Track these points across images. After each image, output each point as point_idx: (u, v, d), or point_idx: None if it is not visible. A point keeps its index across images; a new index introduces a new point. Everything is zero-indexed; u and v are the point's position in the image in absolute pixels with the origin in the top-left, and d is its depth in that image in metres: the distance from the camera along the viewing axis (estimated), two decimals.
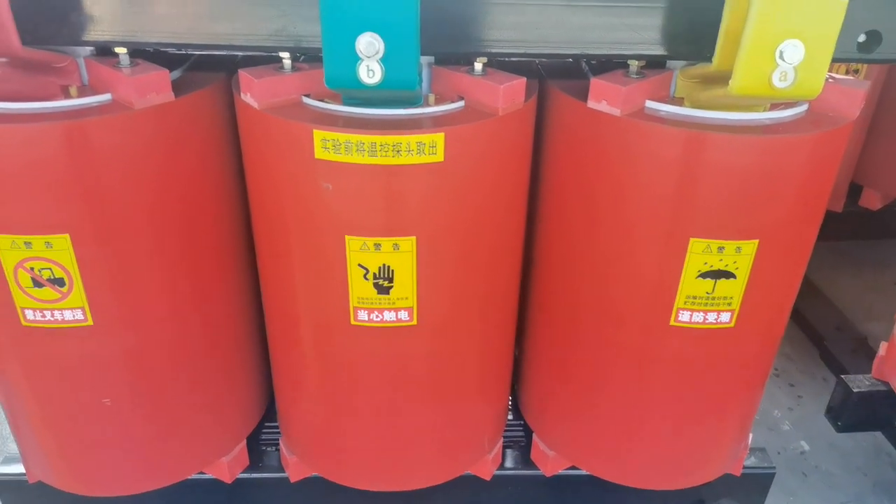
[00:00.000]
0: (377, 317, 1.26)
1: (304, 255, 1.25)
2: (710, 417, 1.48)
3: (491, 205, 1.24)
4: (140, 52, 1.19)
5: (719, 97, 1.11)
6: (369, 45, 0.94)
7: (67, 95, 1.14)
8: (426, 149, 1.10)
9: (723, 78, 1.05)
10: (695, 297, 1.26)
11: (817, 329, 2.68)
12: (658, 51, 1.16)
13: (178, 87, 1.21)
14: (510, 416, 1.82)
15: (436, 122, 1.12)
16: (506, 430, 1.75)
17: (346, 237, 1.18)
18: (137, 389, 1.35)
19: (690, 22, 1.14)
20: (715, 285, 1.25)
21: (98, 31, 1.10)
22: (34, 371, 1.30)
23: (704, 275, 1.24)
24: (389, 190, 1.13)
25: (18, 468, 1.58)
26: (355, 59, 0.96)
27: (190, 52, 1.35)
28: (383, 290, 1.23)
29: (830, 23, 0.95)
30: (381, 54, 0.96)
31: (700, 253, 1.21)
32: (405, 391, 1.39)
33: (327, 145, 1.09)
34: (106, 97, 1.14)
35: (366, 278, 1.21)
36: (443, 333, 1.32)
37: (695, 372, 1.38)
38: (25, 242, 1.14)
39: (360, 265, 1.20)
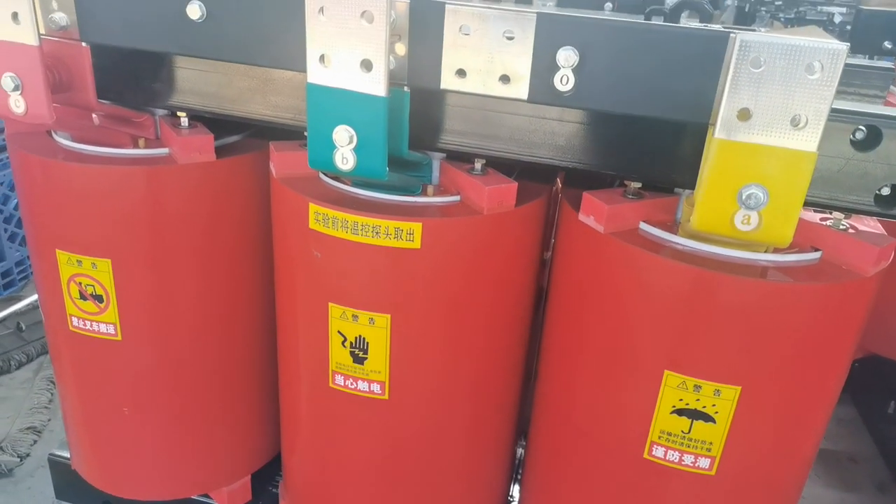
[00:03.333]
0: (352, 384, 1.32)
1: (298, 312, 1.35)
2: None
3: (473, 299, 1.26)
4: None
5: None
6: (343, 136, 1.04)
7: (136, 146, 1.36)
8: (403, 235, 1.17)
9: None
10: (670, 434, 1.18)
11: None
12: (656, 175, 1.15)
13: (234, 148, 1.40)
14: None
15: (419, 212, 1.19)
16: None
17: (330, 304, 1.26)
18: (152, 406, 1.52)
19: (687, 148, 1.11)
20: (691, 425, 1.16)
21: (163, 98, 1.32)
22: (75, 371, 1.52)
23: (680, 412, 1.16)
24: (368, 267, 1.21)
25: (68, 453, 1.81)
26: (332, 146, 1.06)
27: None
28: (358, 360, 1.29)
29: (798, 172, 0.90)
30: (353, 145, 1.05)
31: (675, 388, 1.14)
32: (379, 461, 1.42)
33: (319, 218, 1.20)
34: (164, 151, 1.35)
35: (344, 345, 1.29)
36: (414, 413, 1.34)
37: None
38: (78, 260, 1.36)
39: (339, 332, 1.28)
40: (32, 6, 1.09)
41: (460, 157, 1.30)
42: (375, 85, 1.00)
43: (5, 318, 2.97)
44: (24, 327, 2.90)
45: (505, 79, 1.03)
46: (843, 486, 2.65)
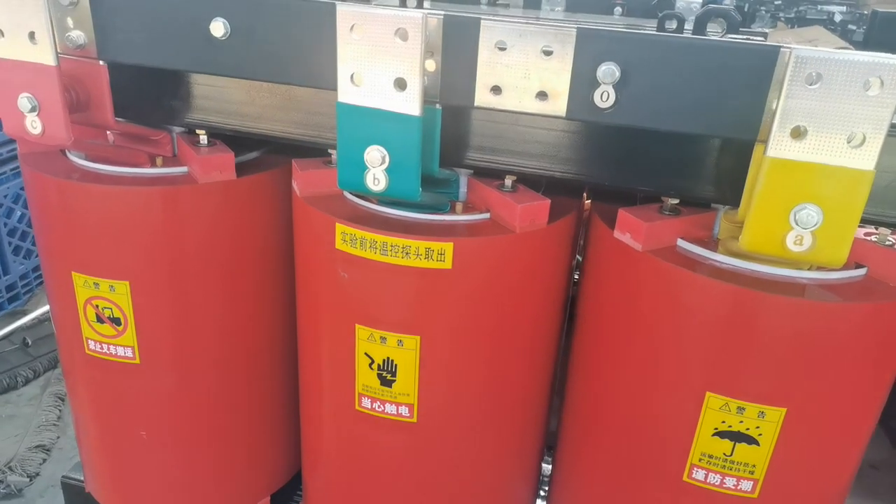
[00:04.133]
0: (379, 407, 1.28)
1: (323, 333, 1.32)
2: None
3: (504, 318, 1.23)
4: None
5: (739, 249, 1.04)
6: (375, 157, 1.01)
7: (153, 164, 1.33)
8: (434, 255, 1.13)
9: None
10: (711, 457, 1.15)
11: None
12: (695, 192, 1.12)
13: (253, 165, 1.37)
14: None
15: (449, 231, 1.15)
16: None
17: (357, 325, 1.23)
18: (171, 429, 1.48)
19: (733, 165, 1.08)
20: (734, 448, 1.13)
21: (182, 116, 1.28)
22: (92, 395, 1.48)
23: (721, 434, 1.13)
24: (397, 288, 1.18)
25: (82, 475, 1.77)
26: (363, 167, 1.03)
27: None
28: (386, 383, 1.26)
29: (854, 191, 0.86)
30: (385, 165, 1.02)
31: (717, 410, 1.11)
32: (405, 483, 1.38)
33: (346, 238, 1.17)
34: (183, 170, 1.32)
35: (371, 367, 1.25)
36: (442, 434, 1.31)
37: None
38: (95, 283, 1.32)
39: (366, 354, 1.24)
40: (50, 25, 1.05)
41: (487, 173, 1.27)
42: (409, 104, 0.97)
43: (11, 334, 2.93)
44: (30, 342, 2.86)
45: (542, 95, 0.99)
46: (864, 492, 2.62)
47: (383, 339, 1.22)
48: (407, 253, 1.13)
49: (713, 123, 0.96)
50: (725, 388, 1.09)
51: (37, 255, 3.45)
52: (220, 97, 1.26)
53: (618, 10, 2.71)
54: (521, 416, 1.40)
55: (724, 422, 1.12)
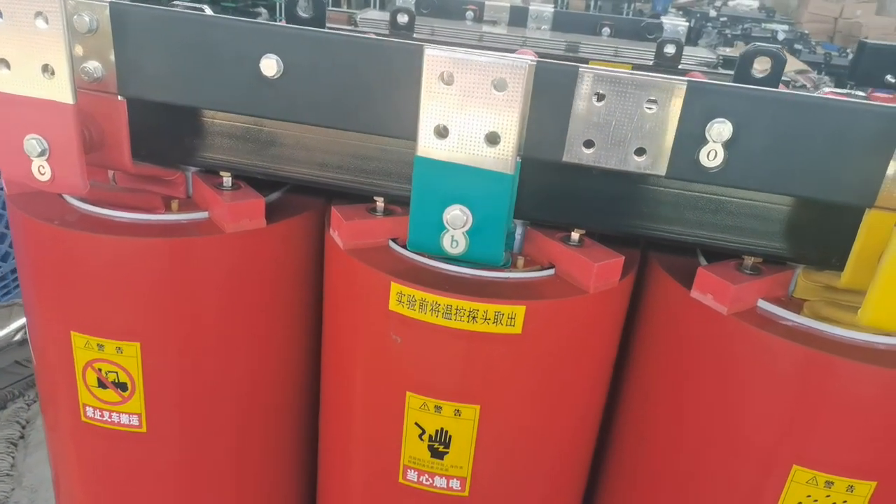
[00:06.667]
0: (427, 480, 1.16)
1: (363, 400, 1.19)
2: None
3: (569, 383, 1.14)
4: None
5: (846, 318, 0.98)
6: (457, 217, 0.90)
7: (168, 209, 1.17)
8: (504, 319, 1.03)
9: (851, 295, 0.93)
10: None
11: None
12: (777, 250, 1.05)
13: (275, 208, 1.22)
14: None
15: (519, 292, 1.05)
16: None
17: (408, 393, 1.11)
18: (176, 502, 1.32)
19: (819, 224, 1.03)
20: None
21: (204, 156, 1.13)
22: (85, 465, 1.30)
23: None
24: (459, 355, 1.06)
25: None
26: (441, 228, 0.92)
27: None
28: (437, 455, 1.14)
29: None
30: (468, 227, 0.91)
31: (803, 483, 1.05)
32: None
33: (402, 299, 1.05)
34: (203, 215, 1.16)
35: (421, 438, 1.13)
36: None
37: None
38: (99, 344, 1.15)
39: (417, 424, 1.13)
40: (69, 57, 0.90)
41: (544, 225, 1.17)
42: (501, 161, 0.87)
43: None
44: None
45: (640, 151, 0.90)
46: None
47: (438, 408, 1.10)
48: (474, 317, 1.02)
49: (826, 188, 0.89)
50: (815, 462, 1.03)
51: None
52: (249, 136, 1.12)
53: (606, 30, 2.66)
54: (569, 479, 1.31)
55: (809, 496, 1.05)
